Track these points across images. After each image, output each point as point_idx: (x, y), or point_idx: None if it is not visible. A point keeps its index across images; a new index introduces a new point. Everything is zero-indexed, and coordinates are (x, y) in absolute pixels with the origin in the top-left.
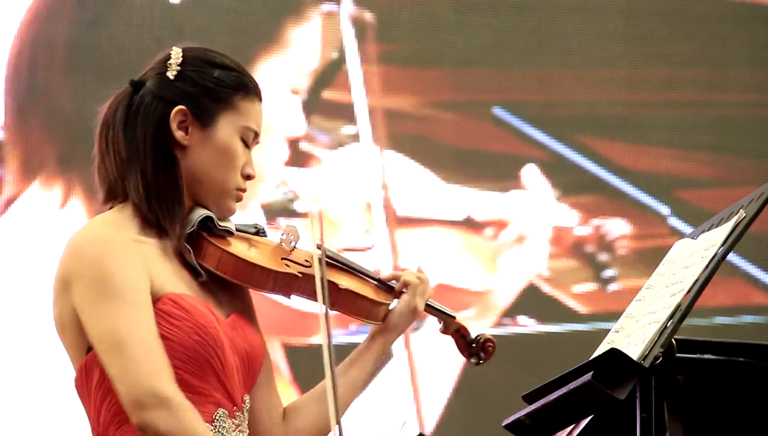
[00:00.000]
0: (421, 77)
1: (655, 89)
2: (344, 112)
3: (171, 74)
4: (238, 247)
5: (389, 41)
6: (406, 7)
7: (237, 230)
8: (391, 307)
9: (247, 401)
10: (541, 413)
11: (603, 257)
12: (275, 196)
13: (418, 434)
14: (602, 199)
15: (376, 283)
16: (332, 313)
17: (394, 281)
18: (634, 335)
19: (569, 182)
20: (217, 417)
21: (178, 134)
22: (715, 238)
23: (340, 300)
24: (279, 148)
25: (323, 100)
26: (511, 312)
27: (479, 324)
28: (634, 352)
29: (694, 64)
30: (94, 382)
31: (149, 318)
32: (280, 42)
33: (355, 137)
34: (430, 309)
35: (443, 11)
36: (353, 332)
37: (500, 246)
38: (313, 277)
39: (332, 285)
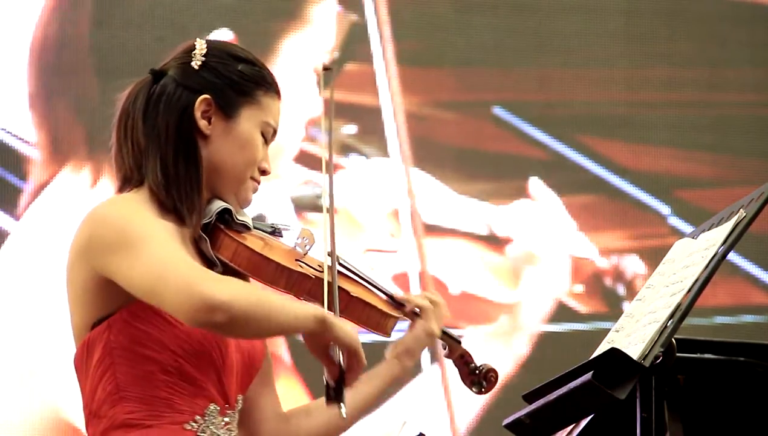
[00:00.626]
0: (422, 77)
1: (656, 89)
2: (344, 113)
3: (196, 64)
4: (253, 242)
5: (389, 41)
6: (407, 7)
7: (254, 227)
8: (399, 322)
9: (240, 401)
10: (541, 413)
11: (620, 289)
12: (304, 192)
13: (418, 434)
14: (602, 199)
15: (386, 297)
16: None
17: (406, 302)
18: (634, 334)
19: (569, 182)
20: (208, 412)
21: (202, 123)
22: (715, 237)
23: (350, 308)
24: (296, 128)
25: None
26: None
27: (505, 339)
28: (635, 351)
29: (694, 64)
30: (95, 359)
31: (179, 246)
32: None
33: (360, 139)
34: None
35: (443, 11)
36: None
37: (522, 263)
38: (323, 281)
39: (343, 292)
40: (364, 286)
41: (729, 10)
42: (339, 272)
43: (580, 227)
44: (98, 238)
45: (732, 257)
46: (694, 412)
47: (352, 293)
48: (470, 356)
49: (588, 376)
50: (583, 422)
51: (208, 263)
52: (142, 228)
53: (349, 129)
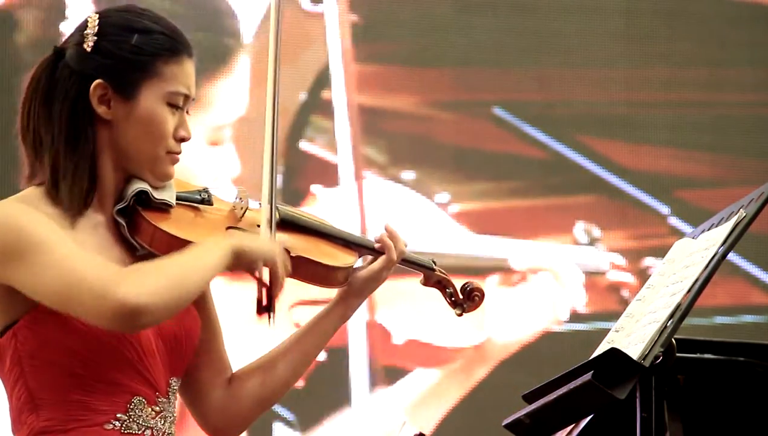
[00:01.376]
0: (421, 77)
1: (655, 89)
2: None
3: (87, 46)
4: (175, 222)
5: (389, 41)
6: (406, 7)
7: (180, 198)
8: (356, 264)
9: (174, 383)
10: (541, 413)
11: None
12: None
13: (417, 434)
14: (602, 200)
15: (341, 241)
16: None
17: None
18: (634, 334)
19: (569, 182)
20: (131, 406)
21: (101, 109)
22: (715, 237)
23: (294, 266)
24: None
25: (323, 101)
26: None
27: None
28: (634, 351)
29: (694, 64)
30: (6, 367)
31: (77, 248)
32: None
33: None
34: (408, 263)
35: (443, 11)
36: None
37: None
38: None
39: (284, 252)
40: (310, 235)
41: (729, 10)
42: (280, 226)
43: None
44: None
45: (732, 257)
46: (694, 412)
47: (292, 253)
48: (448, 280)
49: (588, 376)
50: (583, 422)
51: (129, 247)
52: (35, 232)
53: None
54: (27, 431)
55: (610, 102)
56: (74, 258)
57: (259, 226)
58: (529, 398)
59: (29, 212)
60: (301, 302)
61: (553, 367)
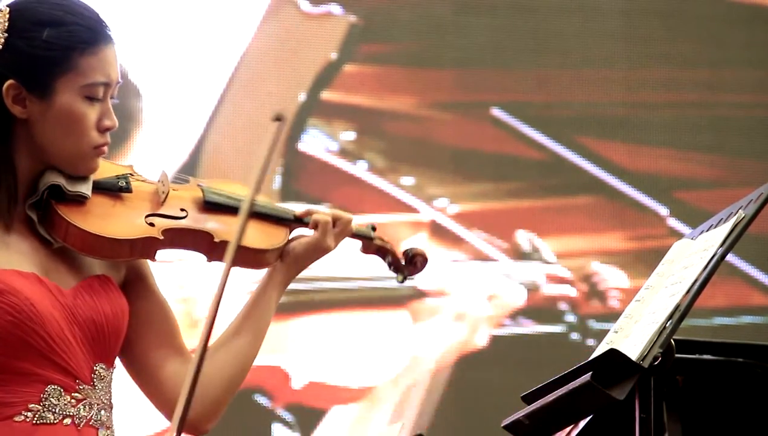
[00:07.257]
0: (420, 78)
1: (654, 90)
2: (343, 114)
3: None
4: (90, 215)
5: (388, 42)
6: (405, 8)
7: (98, 187)
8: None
9: (101, 369)
10: (540, 414)
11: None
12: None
13: (416, 434)
14: (601, 201)
15: (274, 218)
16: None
17: (307, 218)
18: (633, 335)
19: (568, 183)
20: (45, 396)
21: (16, 110)
22: (714, 238)
23: (218, 252)
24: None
25: (322, 101)
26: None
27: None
28: (633, 352)
29: (693, 65)
30: None
31: None
32: None
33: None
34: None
35: (442, 12)
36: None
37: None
38: (182, 230)
39: (207, 237)
40: (237, 216)
41: (727, 11)
42: (208, 209)
43: (579, 229)
44: None
45: (731, 258)
46: (692, 413)
47: (216, 239)
48: (386, 248)
49: (587, 377)
50: (582, 423)
51: (45, 240)
52: None
53: (348, 135)
54: None
55: (609, 103)
56: None
57: (183, 209)
58: (529, 398)
59: None
60: None
61: (552, 368)
